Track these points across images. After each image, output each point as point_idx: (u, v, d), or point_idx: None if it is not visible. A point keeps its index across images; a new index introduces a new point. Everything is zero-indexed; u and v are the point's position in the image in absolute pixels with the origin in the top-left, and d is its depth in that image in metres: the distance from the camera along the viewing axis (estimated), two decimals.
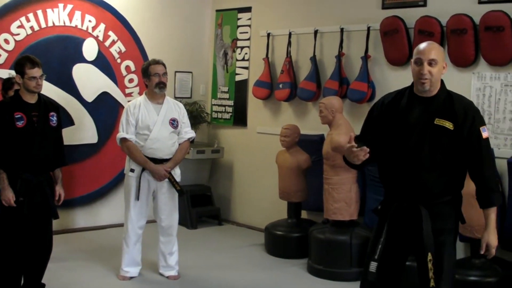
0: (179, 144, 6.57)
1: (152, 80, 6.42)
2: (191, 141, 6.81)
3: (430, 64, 4.04)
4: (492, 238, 4.07)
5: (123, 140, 6.42)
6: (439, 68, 4.07)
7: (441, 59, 4.09)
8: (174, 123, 6.50)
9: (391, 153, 4.17)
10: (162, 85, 6.43)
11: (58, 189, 5.71)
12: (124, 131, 6.42)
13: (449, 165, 4.05)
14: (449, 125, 4.00)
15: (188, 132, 6.64)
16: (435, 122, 4.02)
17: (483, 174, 4.05)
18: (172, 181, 6.48)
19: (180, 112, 6.60)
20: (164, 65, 6.52)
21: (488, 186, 4.05)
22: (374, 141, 4.21)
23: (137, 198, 6.41)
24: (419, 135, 4.05)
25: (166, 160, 6.47)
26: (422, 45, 4.13)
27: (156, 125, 6.39)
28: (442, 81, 4.16)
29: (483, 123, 4.10)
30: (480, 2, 6.54)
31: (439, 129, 4.02)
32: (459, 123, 4.00)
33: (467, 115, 4.01)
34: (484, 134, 4.03)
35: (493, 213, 4.07)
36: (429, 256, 4.04)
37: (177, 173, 6.58)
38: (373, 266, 4.19)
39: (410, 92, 4.19)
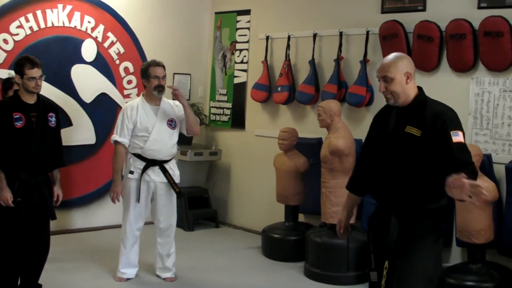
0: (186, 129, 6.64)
1: (151, 82, 6.39)
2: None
3: (385, 81, 4.03)
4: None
5: (115, 142, 6.44)
6: (398, 82, 4.00)
7: (397, 73, 4.00)
8: (172, 123, 6.49)
9: (375, 164, 4.20)
10: (161, 89, 6.41)
11: (56, 190, 5.71)
12: (118, 134, 6.42)
13: (422, 173, 3.92)
14: (416, 132, 3.94)
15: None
16: (405, 130, 3.99)
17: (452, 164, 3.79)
18: (171, 182, 6.47)
19: (177, 110, 6.58)
20: (164, 67, 6.49)
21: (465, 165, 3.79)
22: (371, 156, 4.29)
23: (138, 200, 6.40)
24: (393, 145, 4.05)
25: (167, 161, 6.47)
26: (382, 62, 4.12)
27: (155, 126, 6.38)
28: (420, 89, 4.12)
29: (457, 128, 3.94)
30: (479, 7, 6.55)
31: (408, 137, 3.97)
32: (428, 129, 3.91)
33: (436, 120, 3.91)
34: (456, 138, 3.86)
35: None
36: (385, 264, 4.01)
37: (176, 174, 6.58)
38: (373, 276, 4.20)
39: (388, 106, 4.22)
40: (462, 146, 3.88)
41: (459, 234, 6.11)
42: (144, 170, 6.40)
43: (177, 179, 6.56)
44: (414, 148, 3.94)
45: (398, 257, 3.96)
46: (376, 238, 4.21)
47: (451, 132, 3.87)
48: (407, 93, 4.03)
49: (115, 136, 6.43)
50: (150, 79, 6.39)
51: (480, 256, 6.10)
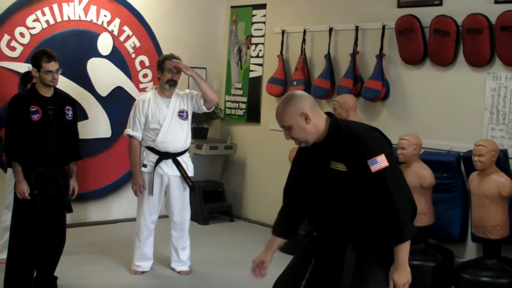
0: (203, 104, 6.59)
1: (165, 75, 6.43)
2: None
3: (285, 129, 3.73)
4: (398, 276, 3.58)
5: (128, 136, 6.49)
6: (298, 127, 3.67)
7: (293, 119, 3.66)
8: (183, 114, 6.50)
9: (307, 202, 3.92)
10: (172, 83, 6.44)
11: (72, 183, 5.73)
12: (130, 128, 6.48)
13: (356, 208, 3.62)
14: (341, 167, 3.62)
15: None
16: (330, 166, 3.67)
17: (389, 209, 3.52)
18: (184, 176, 6.49)
19: (188, 99, 6.58)
20: (180, 61, 6.51)
21: (397, 221, 3.51)
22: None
23: (151, 193, 6.42)
24: (322, 184, 3.73)
25: (180, 154, 6.49)
26: (276, 110, 3.78)
27: (166, 118, 6.40)
28: (329, 119, 3.75)
29: (375, 154, 3.55)
30: (496, 2, 6.52)
31: (335, 173, 3.65)
32: (350, 159, 3.59)
33: (354, 149, 3.58)
34: (375, 167, 3.52)
35: (404, 247, 3.57)
36: None
37: (189, 168, 6.59)
38: None
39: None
40: (384, 172, 3.54)
41: (475, 230, 6.10)
42: (157, 163, 6.43)
43: (190, 173, 6.58)
44: (344, 184, 3.64)
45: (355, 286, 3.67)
46: (319, 267, 3.89)
47: (369, 161, 3.54)
48: (313, 131, 3.69)
49: (128, 130, 6.49)
50: (164, 72, 6.43)
51: (496, 252, 6.08)
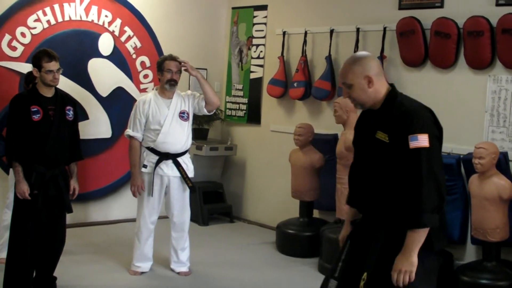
0: (205, 107, 6.61)
1: (165, 75, 6.45)
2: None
3: (346, 87, 3.75)
4: (399, 260, 3.54)
5: (129, 137, 6.50)
6: (359, 88, 3.68)
7: (356, 78, 3.68)
8: (183, 115, 6.51)
9: (354, 169, 3.97)
10: (172, 82, 6.45)
11: (73, 183, 5.74)
12: (131, 128, 6.49)
13: (389, 184, 3.63)
14: (384, 137, 3.63)
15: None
16: (376, 136, 3.69)
17: (413, 190, 3.50)
18: (184, 177, 6.49)
19: (189, 100, 6.60)
20: (179, 62, 6.53)
21: (417, 205, 3.48)
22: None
23: (151, 193, 6.42)
24: (367, 152, 3.80)
25: (180, 155, 6.49)
26: (341, 68, 3.82)
27: (167, 119, 6.41)
28: (391, 89, 3.76)
29: (419, 131, 3.53)
30: (497, 4, 6.52)
31: (378, 143, 3.67)
32: (394, 132, 3.59)
33: (400, 122, 3.58)
34: (414, 144, 3.50)
35: (416, 235, 3.51)
36: (364, 276, 3.66)
37: (190, 169, 6.60)
38: (332, 284, 3.86)
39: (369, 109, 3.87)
40: (420, 153, 3.51)
41: (474, 232, 6.09)
42: (157, 163, 6.43)
43: (190, 173, 6.58)
44: (384, 156, 3.65)
45: (381, 271, 3.63)
46: (354, 246, 3.86)
47: (409, 136, 3.52)
48: (373, 97, 3.71)
49: (128, 131, 6.51)
50: (164, 72, 6.44)
51: (495, 254, 6.07)
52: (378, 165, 3.69)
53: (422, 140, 3.51)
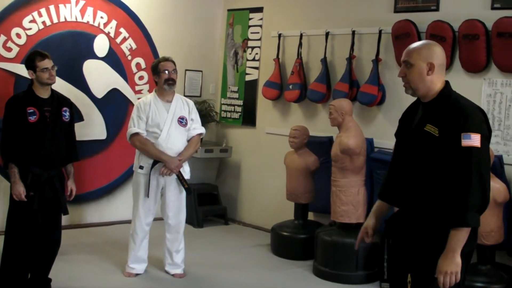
0: (188, 140, 6.58)
1: (162, 76, 6.44)
2: (201, 139, 6.83)
3: (406, 66, 3.70)
4: (443, 262, 3.48)
5: (135, 134, 6.43)
6: (418, 71, 3.65)
7: (419, 60, 3.65)
8: (182, 121, 6.51)
9: (395, 162, 3.90)
10: (171, 82, 6.45)
11: (70, 184, 5.75)
12: (135, 126, 6.43)
13: (440, 178, 3.56)
14: (434, 130, 3.58)
15: (196, 128, 6.64)
16: (425, 128, 3.63)
17: (461, 188, 3.45)
18: (181, 178, 6.49)
19: (189, 110, 6.61)
20: (173, 62, 6.54)
21: (463, 203, 3.44)
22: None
23: (147, 195, 6.42)
24: (412, 144, 3.71)
25: None
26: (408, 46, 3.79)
27: (166, 123, 6.41)
28: (446, 84, 3.72)
29: (472, 130, 3.49)
30: (493, 8, 6.53)
31: (427, 136, 3.61)
32: (446, 128, 3.54)
33: (454, 118, 3.53)
34: (466, 142, 3.46)
35: (460, 234, 3.45)
36: (408, 278, 3.65)
37: (186, 171, 6.60)
38: (385, 287, 3.91)
39: (418, 100, 3.83)
40: (472, 152, 3.47)
41: None
42: (153, 165, 6.42)
43: (186, 175, 6.59)
44: (432, 150, 3.58)
45: (425, 272, 3.59)
46: (395, 246, 3.84)
47: (462, 134, 3.47)
48: (427, 86, 3.66)
49: (133, 129, 6.43)
50: (160, 74, 6.45)
51: (490, 258, 6.09)
52: (423, 159, 3.63)
53: (475, 140, 3.48)
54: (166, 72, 6.44)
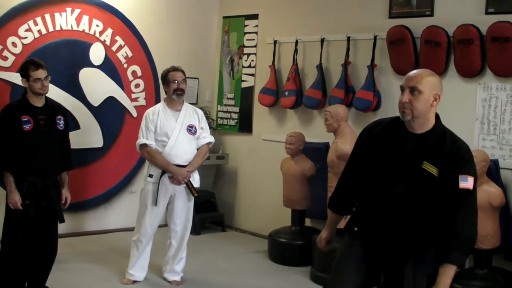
0: (197, 149, 6.59)
1: (171, 86, 6.46)
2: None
3: (411, 92, 3.61)
4: None
5: (143, 146, 6.44)
6: (425, 100, 3.61)
7: (427, 89, 3.62)
8: (191, 129, 6.52)
9: (374, 190, 3.81)
10: (180, 92, 6.47)
11: (65, 193, 5.75)
12: (144, 137, 6.44)
13: (433, 216, 3.63)
14: (434, 171, 3.59)
15: (206, 137, 6.66)
16: (422, 166, 3.61)
17: (454, 227, 3.54)
18: (190, 187, 6.50)
19: (198, 118, 6.64)
20: (183, 72, 6.56)
21: (455, 240, 3.54)
22: (358, 173, 3.95)
23: (155, 203, 6.42)
24: (404, 178, 3.65)
25: (184, 167, 6.47)
26: (411, 72, 3.73)
27: (174, 131, 6.42)
28: (437, 117, 3.75)
29: (469, 173, 3.59)
30: (487, 13, 6.55)
31: (425, 175, 3.60)
32: (444, 168, 3.58)
33: (453, 159, 3.58)
34: (463, 184, 3.54)
35: (449, 271, 3.57)
36: None
37: (195, 179, 6.62)
38: None
39: (402, 126, 3.75)
40: (470, 195, 3.57)
41: None
42: (163, 173, 6.42)
43: (196, 184, 6.62)
44: (431, 189, 3.60)
45: None
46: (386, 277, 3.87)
47: (460, 176, 3.56)
48: (427, 117, 3.67)
49: (142, 140, 6.44)
50: (170, 84, 6.46)
51: (486, 262, 6.09)
52: (419, 196, 3.63)
53: (470, 183, 3.56)
54: (176, 82, 6.45)
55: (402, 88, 3.68)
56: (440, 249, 3.58)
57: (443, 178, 3.56)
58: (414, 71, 3.72)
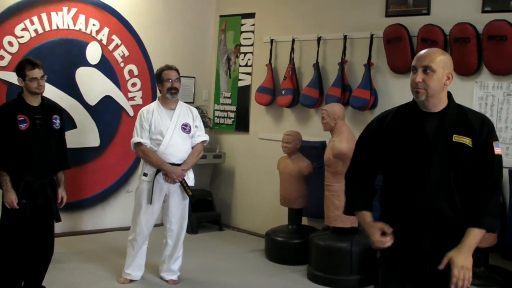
0: (192, 147, 6.59)
1: (165, 85, 6.47)
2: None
3: (424, 71, 3.58)
4: (459, 256, 3.47)
5: (138, 144, 6.45)
6: (438, 78, 3.58)
7: (441, 68, 3.58)
8: (186, 128, 6.52)
9: (398, 177, 3.70)
10: (174, 91, 6.47)
11: (61, 192, 5.74)
12: (139, 136, 6.45)
13: (468, 188, 3.56)
14: (468, 141, 3.54)
15: (200, 136, 6.66)
16: (453, 139, 3.55)
17: (487, 194, 3.51)
18: (184, 185, 6.50)
19: (193, 117, 6.63)
20: (177, 70, 6.56)
21: (487, 208, 3.50)
22: (372, 166, 3.89)
23: (150, 202, 6.42)
24: (438, 156, 3.54)
25: (179, 165, 6.47)
26: (422, 51, 3.69)
27: (168, 130, 6.42)
28: (449, 94, 3.70)
29: (497, 139, 3.63)
30: (483, 11, 6.56)
31: (459, 147, 3.54)
32: (476, 138, 3.55)
33: (482, 128, 3.56)
34: (496, 150, 3.56)
35: (479, 233, 3.51)
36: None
37: (190, 178, 6.62)
38: None
39: (415, 108, 3.70)
40: (500, 159, 3.60)
41: None
42: (157, 172, 6.43)
43: (191, 182, 6.62)
44: (466, 159, 3.55)
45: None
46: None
47: (494, 143, 3.57)
48: (441, 96, 3.63)
49: (136, 138, 6.45)
50: (164, 82, 6.47)
51: (484, 260, 6.09)
52: (458, 169, 3.57)
53: (500, 148, 3.60)
54: (170, 81, 6.46)
55: (414, 68, 3.64)
56: (469, 216, 3.53)
57: (477, 147, 3.55)
58: (425, 50, 3.68)
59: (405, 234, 3.66)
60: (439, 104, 3.65)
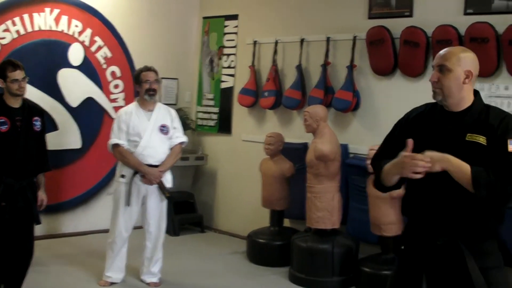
0: (170, 149, 6.56)
1: (143, 87, 6.45)
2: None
3: (440, 70, 3.48)
4: (437, 156, 3.33)
5: (115, 146, 6.43)
6: (455, 77, 3.45)
7: (458, 66, 3.45)
8: (164, 129, 6.50)
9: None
10: (152, 92, 6.44)
11: (41, 195, 5.70)
12: (116, 137, 6.43)
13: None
14: (481, 139, 3.39)
15: (179, 137, 6.64)
16: (466, 138, 3.42)
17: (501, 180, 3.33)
18: (162, 187, 6.47)
19: (171, 118, 6.61)
20: (156, 72, 6.54)
21: (493, 184, 3.31)
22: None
23: (128, 203, 6.39)
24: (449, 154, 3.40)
25: (157, 167, 6.45)
26: (443, 49, 3.59)
27: (146, 131, 6.40)
28: (476, 93, 3.55)
29: None
30: (465, 14, 6.57)
31: (471, 146, 3.41)
32: (492, 135, 3.39)
33: (500, 125, 3.40)
34: (510, 148, 3.35)
35: (465, 169, 3.32)
36: None
37: (168, 179, 6.59)
38: None
39: (441, 107, 3.59)
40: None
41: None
42: (135, 173, 6.41)
43: (168, 184, 6.59)
44: (480, 158, 3.37)
45: None
46: (437, 277, 3.53)
47: (509, 140, 3.36)
48: (461, 95, 3.48)
49: (113, 140, 6.44)
50: (142, 84, 6.45)
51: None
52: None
53: None
54: (148, 82, 6.44)
55: (433, 67, 3.56)
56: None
57: (492, 145, 3.39)
58: (445, 49, 3.58)
59: (421, 231, 3.59)
60: (461, 103, 3.51)
